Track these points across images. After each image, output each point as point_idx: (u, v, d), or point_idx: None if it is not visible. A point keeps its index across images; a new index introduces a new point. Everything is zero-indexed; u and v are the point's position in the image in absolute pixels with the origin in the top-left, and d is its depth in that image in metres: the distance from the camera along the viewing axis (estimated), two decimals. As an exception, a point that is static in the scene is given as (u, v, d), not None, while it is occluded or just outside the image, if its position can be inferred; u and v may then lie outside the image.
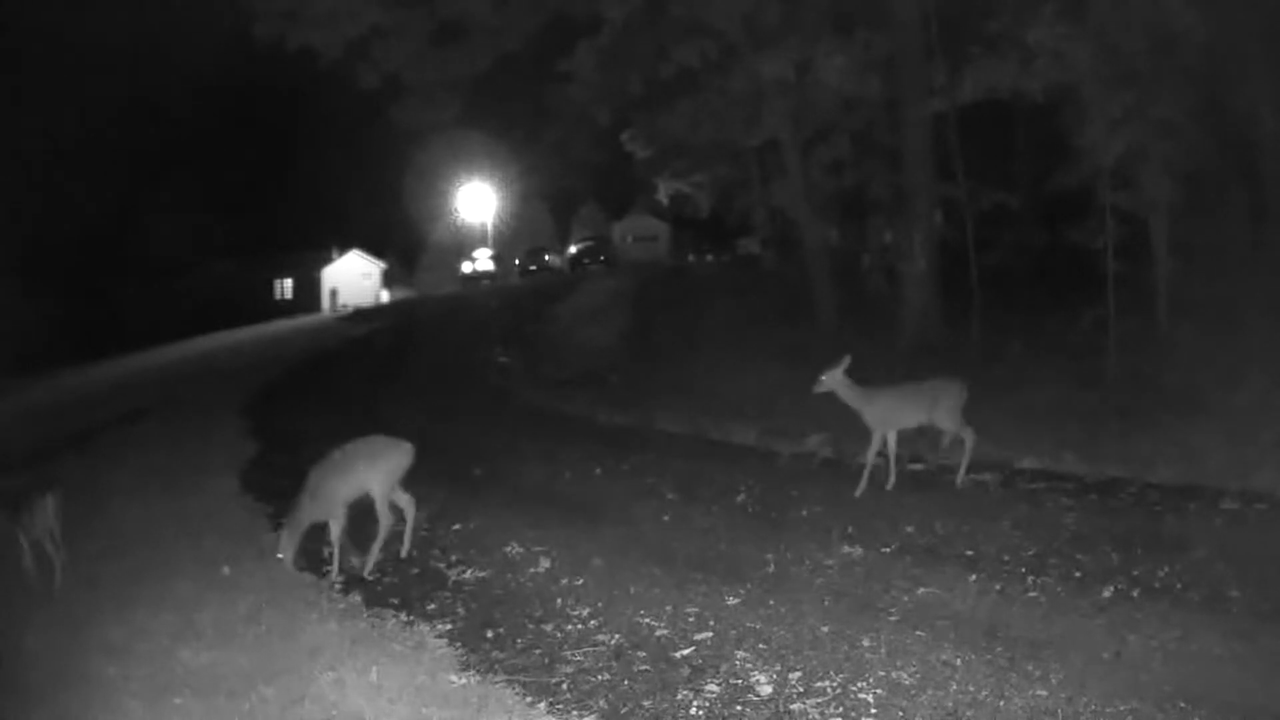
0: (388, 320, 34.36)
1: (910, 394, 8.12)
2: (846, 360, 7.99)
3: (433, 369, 20.42)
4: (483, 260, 47.33)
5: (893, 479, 8.08)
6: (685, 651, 5.12)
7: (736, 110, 20.37)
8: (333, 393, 18.42)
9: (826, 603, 5.65)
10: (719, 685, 4.70)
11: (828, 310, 17.88)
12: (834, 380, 7.95)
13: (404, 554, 7.07)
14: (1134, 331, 11.84)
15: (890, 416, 8.04)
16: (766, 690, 4.61)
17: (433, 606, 6.22)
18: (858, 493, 7.92)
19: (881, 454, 8.13)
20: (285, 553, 6.61)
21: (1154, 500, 7.23)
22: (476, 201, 55.70)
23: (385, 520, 6.78)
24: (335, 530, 6.77)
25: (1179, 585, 5.50)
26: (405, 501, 6.95)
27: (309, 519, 6.67)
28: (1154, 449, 8.40)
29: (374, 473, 6.65)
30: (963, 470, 8.12)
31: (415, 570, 7.00)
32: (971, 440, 8.04)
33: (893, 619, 5.33)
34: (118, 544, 7.92)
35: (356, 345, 27.51)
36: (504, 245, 53.14)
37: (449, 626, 5.84)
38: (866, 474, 8.08)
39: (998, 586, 5.68)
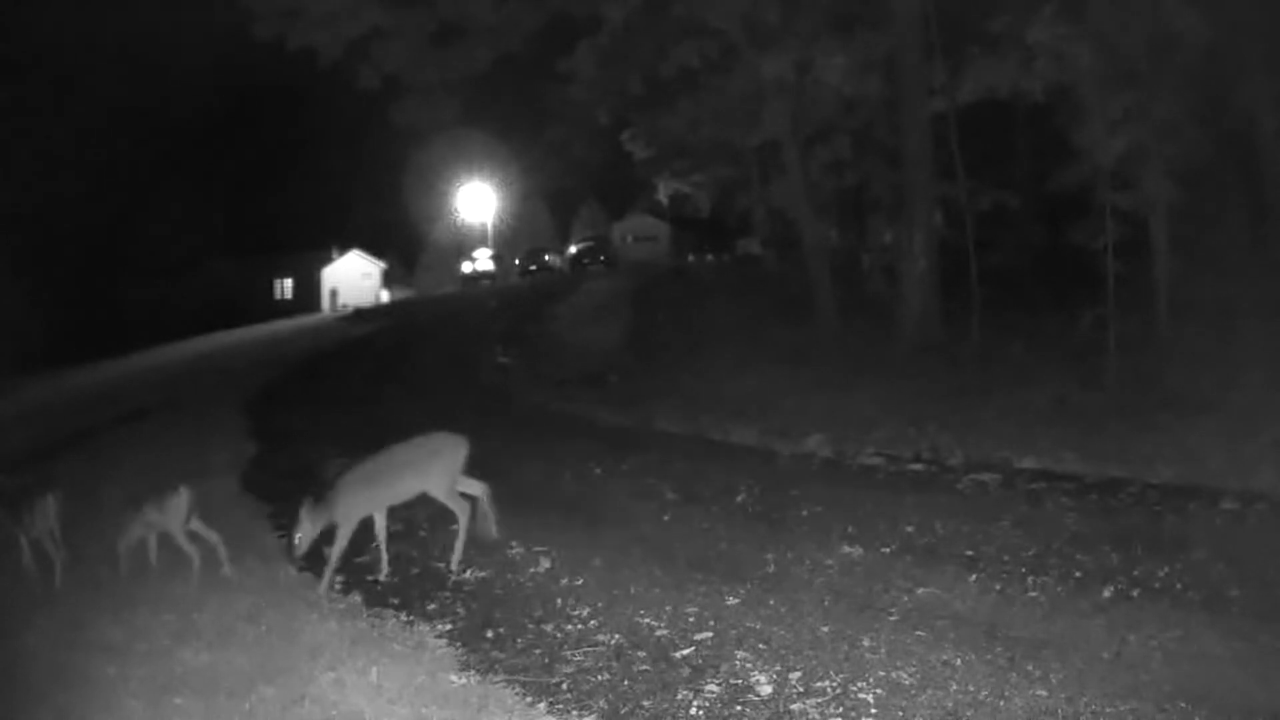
0: (388, 320, 34.36)
1: (385, 464, 6.76)
2: (308, 504, 6.51)
3: (432, 369, 20.41)
4: (483, 260, 47.34)
5: (385, 566, 6.85)
6: (685, 651, 5.12)
7: (736, 110, 20.42)
8: (333, 393, 18.42)
9: (826, 603, 5.65)
10: (719, 685, 4.70)
11: (828, 310, 17.90)
12: (308, 530, 6.50)
13: (227, 571, 6.88)
14: (1134, 331, 11.85)
15: (373, 498, 6.68)
16: (766, 690, 4.61)
17: (433, 606, 6.22)
18: (381, 575, 6.77)
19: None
20: (124, 564, 7.00)
21: (1154, 500, 7.22)
22: (476, 201, 55.76)
23: (192, 552, 6.91)
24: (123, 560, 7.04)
25: (1179, 585, 5.49)
26: (209, 533, 7.04)
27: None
28: (1154, 449, 8.41)
29: (162, 516, 6.90)
30: (494, 526, 7.01)
31: (415, 570, 7.00)
32: (485, 494, 6.99)
33: (893, 619, 5.33)
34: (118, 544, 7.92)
35: (357, 345, 27.50)
36: (504, 245, 53.20)
37: (449, 626, 5.83)
38: (328, 573, 6.57)
39: (998, 586, 5.68)
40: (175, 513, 6.93)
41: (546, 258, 46.01)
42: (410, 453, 6.90)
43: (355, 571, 7.01)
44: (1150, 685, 4.33)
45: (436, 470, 6.77)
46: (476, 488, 7.06)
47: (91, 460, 12.63)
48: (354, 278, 56.92)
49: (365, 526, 7.60)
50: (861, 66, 17.24)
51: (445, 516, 8.25)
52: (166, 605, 6.36)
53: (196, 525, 7.04)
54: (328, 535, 6.64)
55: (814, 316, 18.01)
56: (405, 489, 6.82)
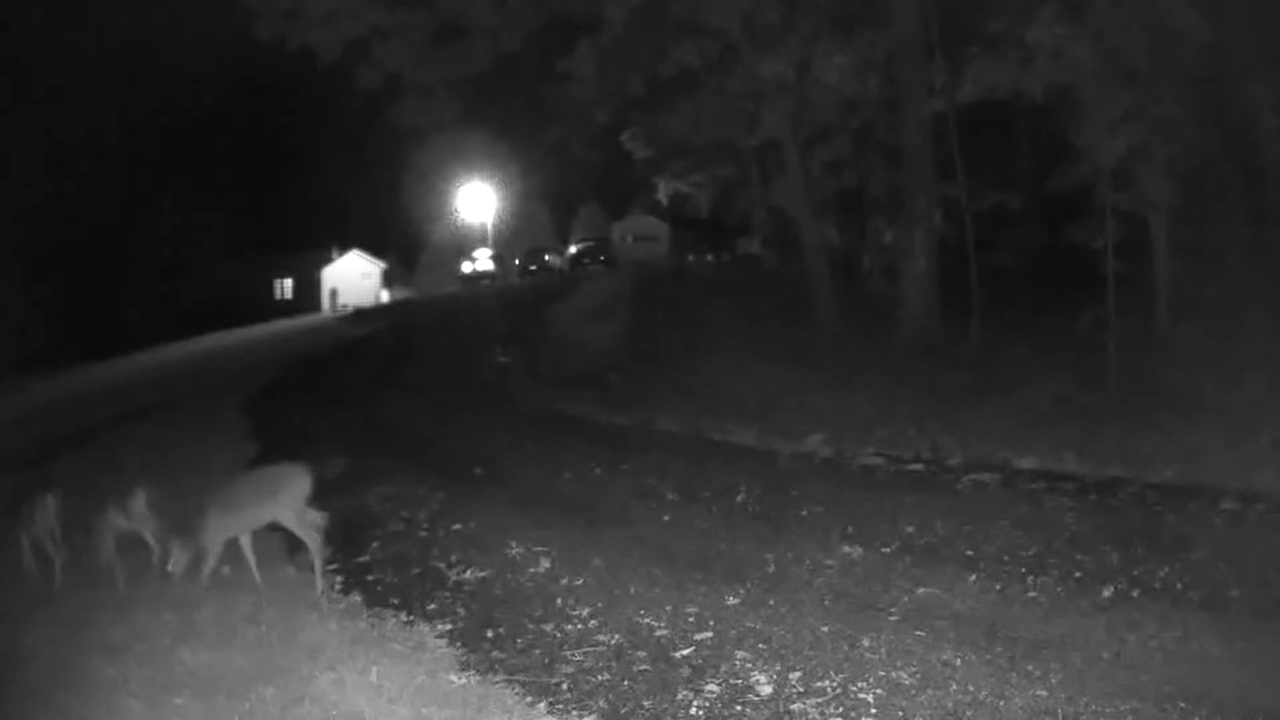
0: (388, 320, 34.36)
1: (237, 493, 6.88)
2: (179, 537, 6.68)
3: (433, 369, 20.41)
4: (483, 260, 47.24)
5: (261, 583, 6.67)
6: (685, 651, 5.12)
7: (736, 110, 20.42)
8: (333, 393, 18.41)
9: (826, 603, 5.65)
10: (719, 685, 4.70)
11: (828, 310, 17.89)
12: (179, 556, 6.60)
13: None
14: (1134, 331, 11.85)
15: (232, 524, 6.64)
16: (766, 690, 4.61)
17: (433, 606, 6.22)
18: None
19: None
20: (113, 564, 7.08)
21: (1154, 500, 7.22)
22: (476, 201, 55.68)
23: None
24: None
25: (1179, 585, 5.49)
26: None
27: None
28: (1154, 449, 8.41)
29: (127, 520, 7.05)
30: (319, 585, 6.61)
31: (415, 570, 7.00)
32: (318, 542, 6.68)
33: (893, 619, 5.33)
34: (118, 544, 7.90)
35: (357, 345, 27.51)
36: (504, 245, 53.12)
37: (449, 626, 5.84)
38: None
39: (998, 586, 5.68)
40: (139, 515, 6.96)
41: (546, 258, 45.92)
42: (257, 484, 6.98)
43: (355, 572, 7.01)
44: (1150, 685, 4.33)
45: (283, 501, 6.65)
46: (316, 533, 6.77)
47: (91, 460, 12.62)
48: (354, 278, 56.88)
49: (362, 530, 7.64)
50: (861, 66, 17.28)
51: (445, 516, 8.27)
52: (166, 605, 6.36)
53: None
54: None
55: (814, 316, 18.01)
56: (256, 517, 6.72)
